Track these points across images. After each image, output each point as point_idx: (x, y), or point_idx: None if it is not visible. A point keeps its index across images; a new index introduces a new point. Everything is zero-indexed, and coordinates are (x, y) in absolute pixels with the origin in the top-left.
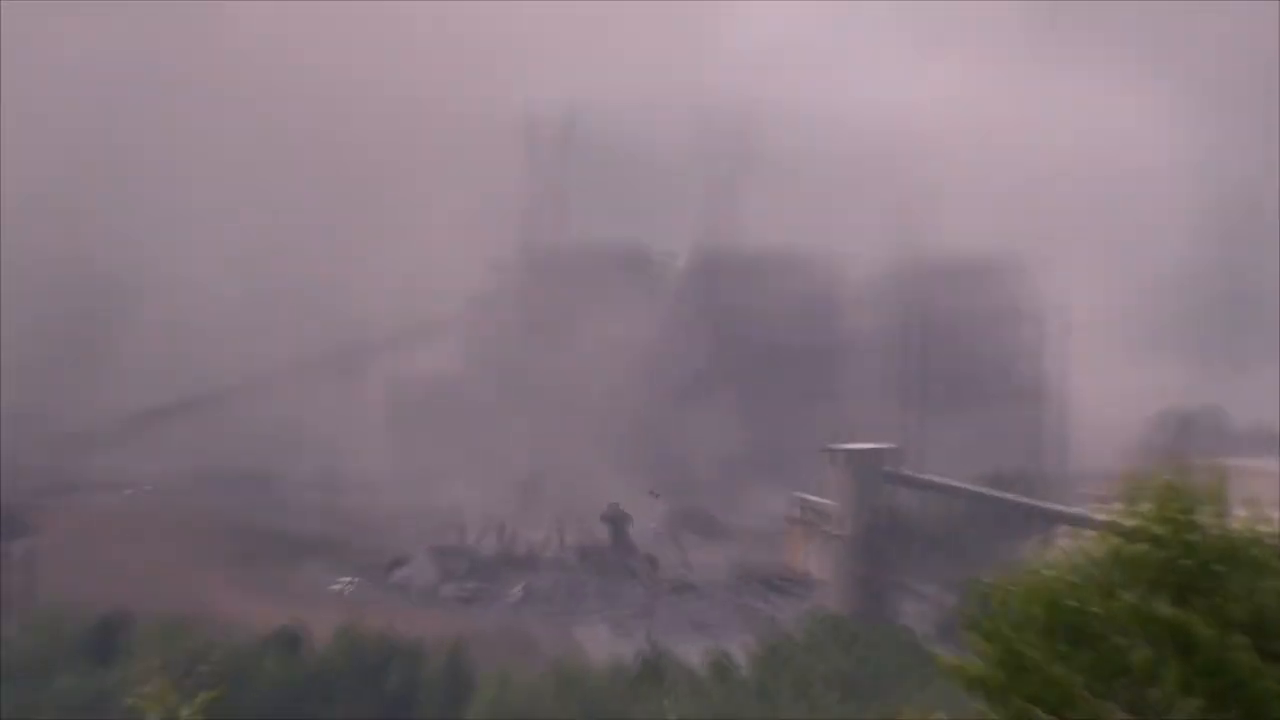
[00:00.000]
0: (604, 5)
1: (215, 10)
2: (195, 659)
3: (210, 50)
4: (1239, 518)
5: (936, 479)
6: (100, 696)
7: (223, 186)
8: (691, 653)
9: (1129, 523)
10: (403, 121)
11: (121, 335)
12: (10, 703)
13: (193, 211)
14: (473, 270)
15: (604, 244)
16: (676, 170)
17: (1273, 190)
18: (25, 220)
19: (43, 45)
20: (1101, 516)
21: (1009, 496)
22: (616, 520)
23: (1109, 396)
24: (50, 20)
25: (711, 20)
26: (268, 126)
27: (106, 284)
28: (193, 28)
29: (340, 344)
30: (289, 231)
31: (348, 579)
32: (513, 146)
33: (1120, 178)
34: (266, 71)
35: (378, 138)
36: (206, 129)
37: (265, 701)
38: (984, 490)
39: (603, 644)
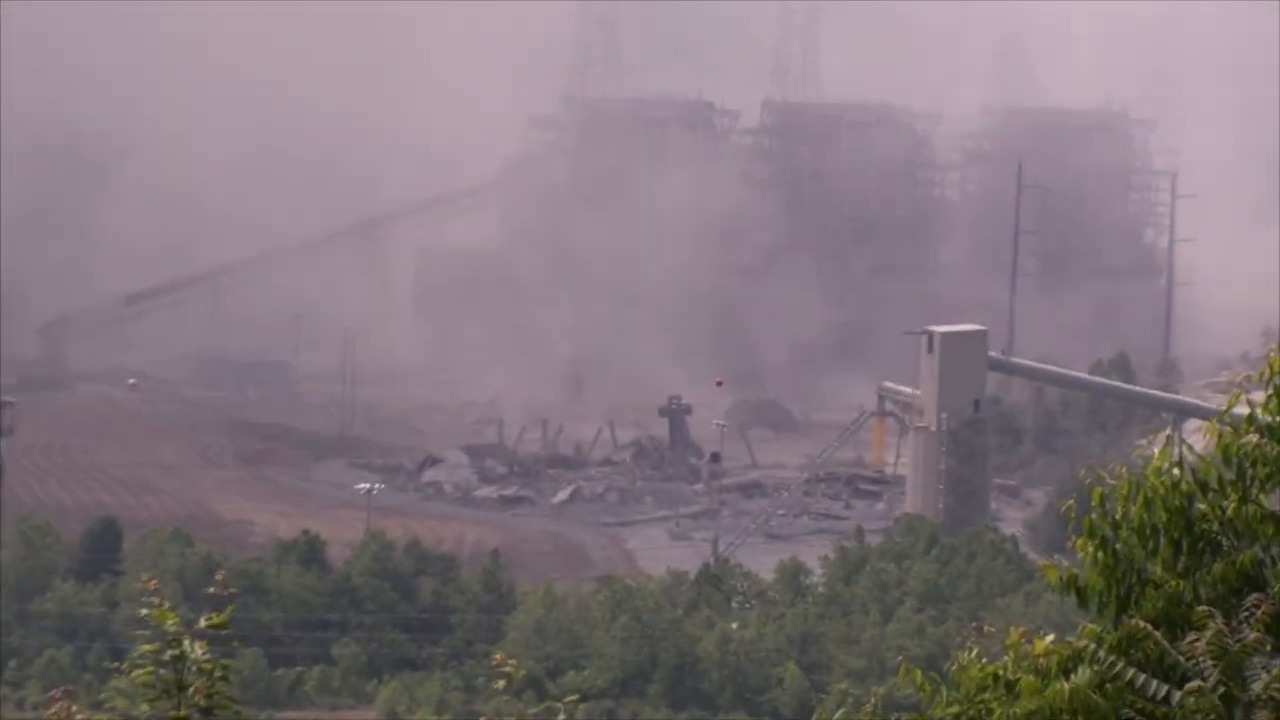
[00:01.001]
0: None
1: None
2: (200, 573)
3: None
4: None
5: (1042, 366)
6: (94, 613)
7: (226, 30)
8: (761, 563)
9: (1265, 416)
10: None
11: (112, 207)
12: None
13: (194, 62)
14: (512, 128)
15: (661, 98)
16: (743, 12)
17: None
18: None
19: None
20: (1233, 407)
21: (1124, 386)
22: (676, 414)
23: (1237, 271)
24: None
25: None
26: None
27: (95, 148)
28: None
29: (360, 214)
30: (301, 85)
31: (372, 482)
32: None
33: (1246, 21)
34: None
35: None
36: None
37: (284, 618)
38: (1096, 379)
39: (660, 553)
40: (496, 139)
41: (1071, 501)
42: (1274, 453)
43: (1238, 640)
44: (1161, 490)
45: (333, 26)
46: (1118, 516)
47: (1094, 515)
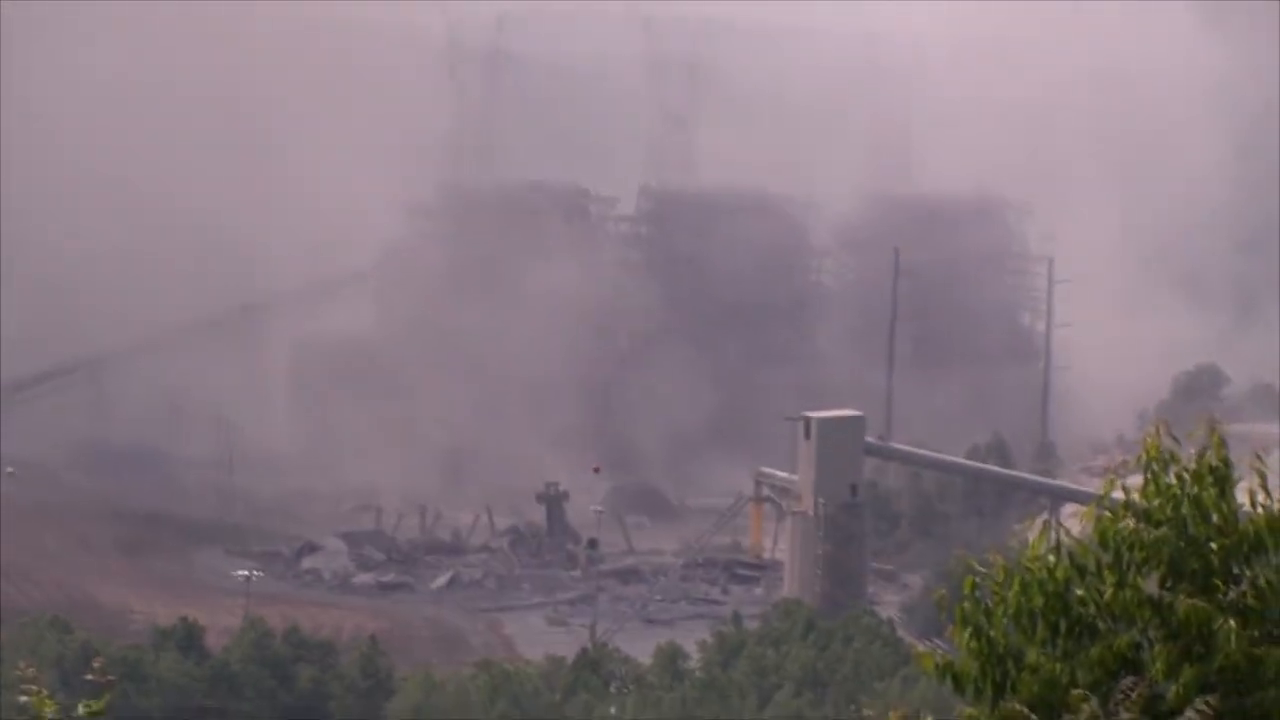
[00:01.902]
0: None
1: None
2: (78, 661)
3: None
4: (1262, 492)
5: (918, 451)
6: None
7: (100, 119)
8: (639, 648)
9: (1141, 501)
10: (306, 39)
11: None
12: None
13: (65, 148)
14: (389, 215)
15: (537, 185)
16: (621, 99)
17: None
18: None
19: None
20: (1109, 492)
21: (1000, 470)
22: (553, 500)
23: (1113, 355)
24: None
25: None
26: (148, 46)
27: None
28: None
29: (236, 301)
30: (177, 174)
31: (250, 569)
32: (434, 69)
33: (1116, 114)
34: None
35: (276, 59)
36: (79, 51)
37: (162, 704)
38: (972, 463)
39: (538, 638)
40: (374, 226)
41: (943, 591)
42: (1150, 537)
43: None
44: (1039, 575)
45: (207, 109)
46: (992, 603)
47: (967, 604)
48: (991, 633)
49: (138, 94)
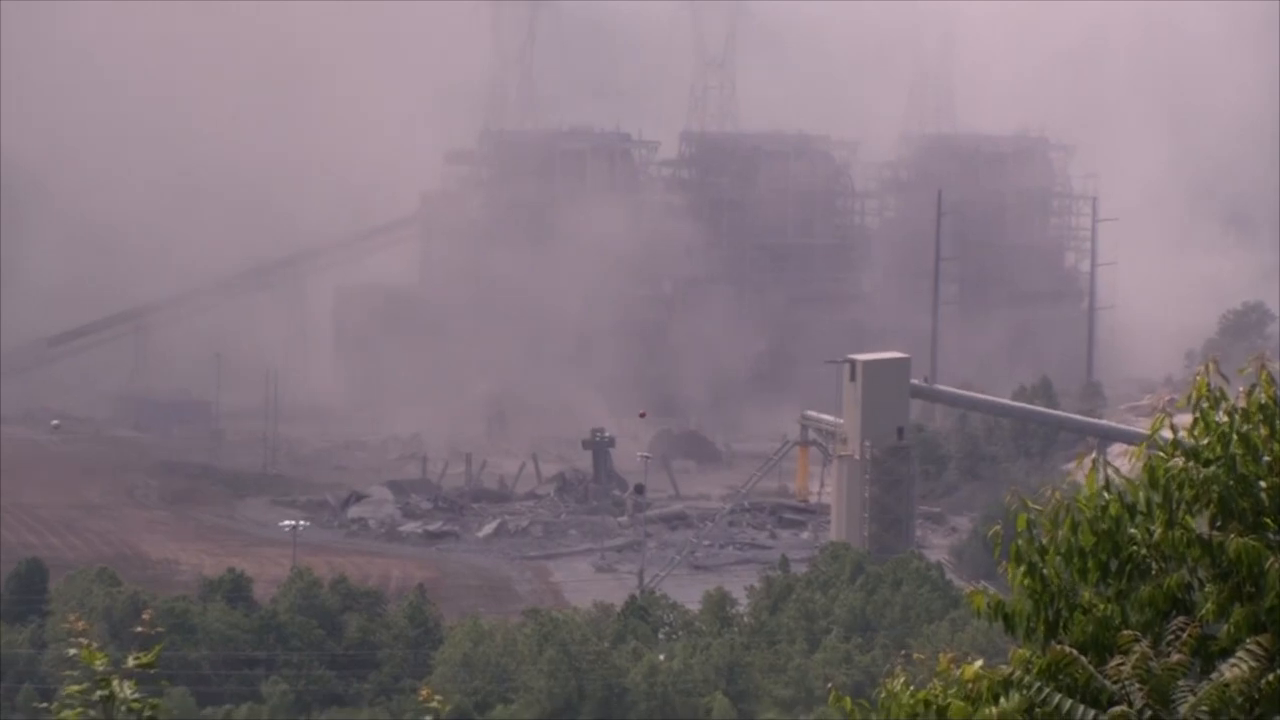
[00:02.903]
0: None
1: None
2: (125, 613)
3: None
4: None
5: (965, 393)
6: (21, 654)
7: (144, 72)
8: (687, 594)
9: (1190, 440)
10: None
11: (27, 244)
12: None
13: (111, 100)
14: (430, 164)
15: (578, 130)
16: (660, 43)
17: None
18: None
19: None
20: (1158, 431)
21: (1047, 411)
22: (599, 447)
23: (1159, 294)
24: None
25: None
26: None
27: (11, 185)
28: None
29: (279, 252)
30: (220, 125)
31: (296, 519)
32: (475, 16)
33: (1161, 52)
34: None
35: (318, 9)
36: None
37: (211, 655)
38: (1019, 404)
39: (586, 586)
40: (415, 175)
41: (998, 528)
42: (1199, 476)
43: (1163, 663)
44: (1089, 514)
45: (249, 62)
46: (1045, 542)
47: (1021, 541)
48: (1045, 571)
49: (181, 47)
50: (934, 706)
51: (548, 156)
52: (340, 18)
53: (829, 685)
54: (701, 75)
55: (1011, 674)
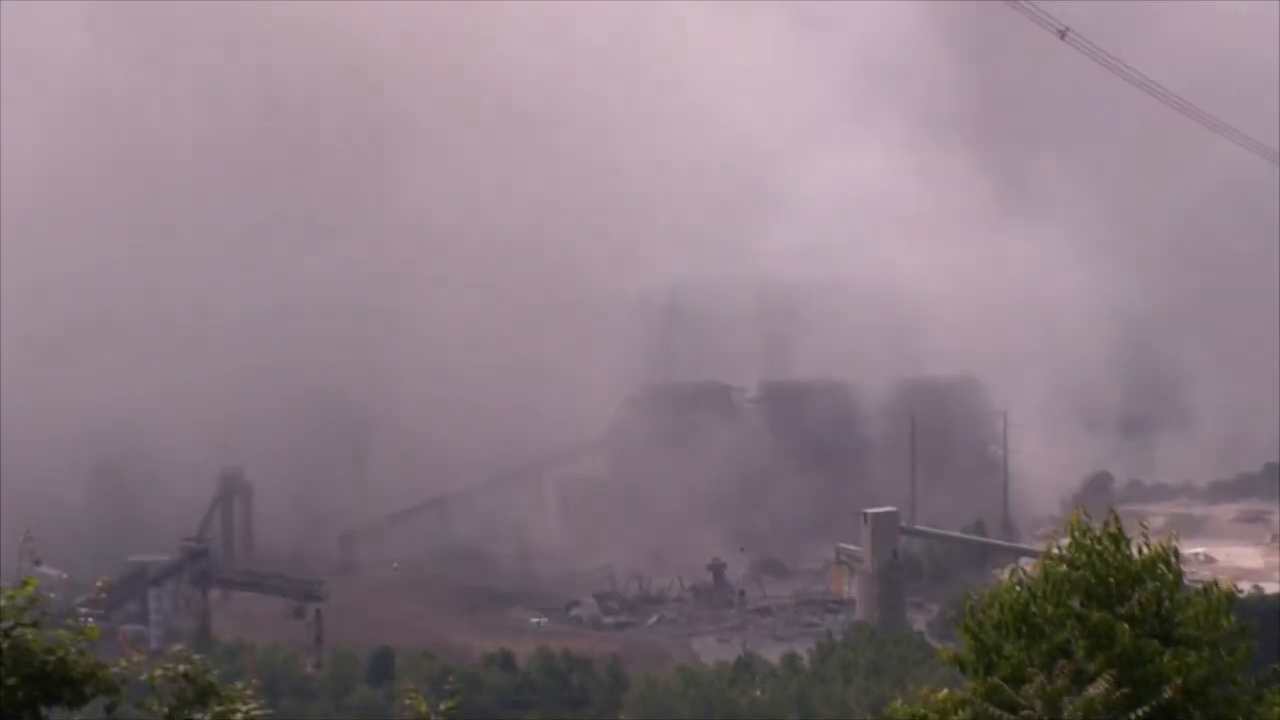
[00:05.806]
0: (693, 205)
1: None
2: (440, 677)
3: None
4: (1144, 547)
5: (932, 530)
6: (377, 707)
7: (444, 337)
8: (771, 655)
9: (1067, 554)
10: (559, 296)
11: (376, 456)
12: (317, 713)
13: (427, 357)
14: (612, 404)
15: (700, 384)
16: (746, 329)
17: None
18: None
19: None
20: (1049, 550)
21: (983, 539)
22: (718, 569)
23: (1052, 467)
24: None
25: (763, 212)
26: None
27: (360, 413)
28: None
29: (526, 457)
30: (496, 374)
31: (540, 617)
32: (635, 315)
33: (1051, 318)
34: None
35: (539, 313)
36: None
37: (489, 704)
38: (967, 536)
39: (712, 652)
40: (605, 411)
41: (953, 612)
42: (1074, 575)
43: (1054, 688)
44: (1009, 600)
45: (511, 345)
46: (982, 617)
47: (969, 618)
48: (982, 635)
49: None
50: (918, 717)
51: (682, 401)
52: (550, 305)
53: (856, 709)
54: (770, 345)
55: (964, 697)
